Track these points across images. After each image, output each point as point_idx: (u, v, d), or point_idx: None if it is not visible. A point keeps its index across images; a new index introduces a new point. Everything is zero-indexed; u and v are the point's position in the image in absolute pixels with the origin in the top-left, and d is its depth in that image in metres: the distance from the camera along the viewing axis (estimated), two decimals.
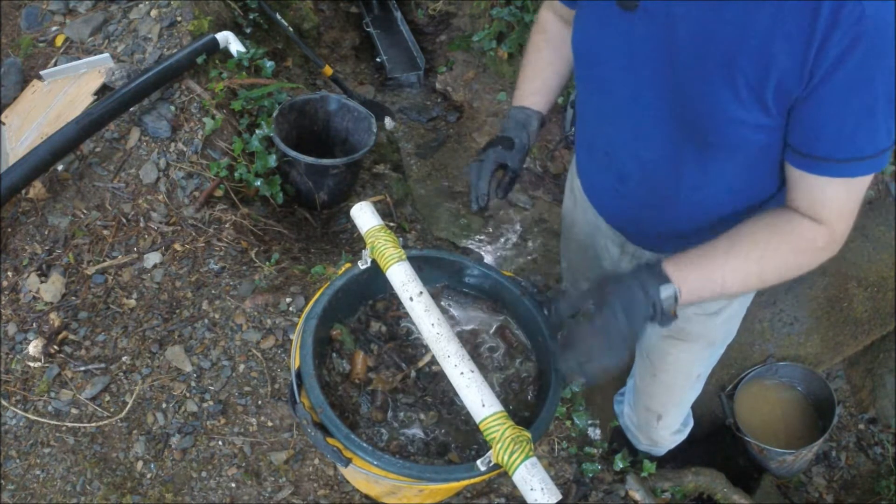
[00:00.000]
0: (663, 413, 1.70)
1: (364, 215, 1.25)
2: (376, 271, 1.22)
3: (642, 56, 1.01)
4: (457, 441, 1.18)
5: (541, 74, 1.36)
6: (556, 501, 0.93)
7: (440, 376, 1.23)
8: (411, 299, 1.14)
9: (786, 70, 0.88)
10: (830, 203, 0.97)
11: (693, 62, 0.95)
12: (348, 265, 1.29)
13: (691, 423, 1.83)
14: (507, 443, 0.97)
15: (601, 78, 1.12)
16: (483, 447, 1.16)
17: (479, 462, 1.02)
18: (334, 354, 1.25)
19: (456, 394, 1.08)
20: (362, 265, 1.26)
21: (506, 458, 0.97)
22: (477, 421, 1.02)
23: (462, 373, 1.05)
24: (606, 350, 0.99)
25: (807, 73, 0.87)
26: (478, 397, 1.02)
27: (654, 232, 1.29)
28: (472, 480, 1.06)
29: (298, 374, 1.12)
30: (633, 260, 1.42)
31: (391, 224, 2.46)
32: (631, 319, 0.99)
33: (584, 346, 1.01)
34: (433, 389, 1.24)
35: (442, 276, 1.34)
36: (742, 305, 1.46)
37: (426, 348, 1.27)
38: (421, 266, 1.24)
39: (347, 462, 1.05)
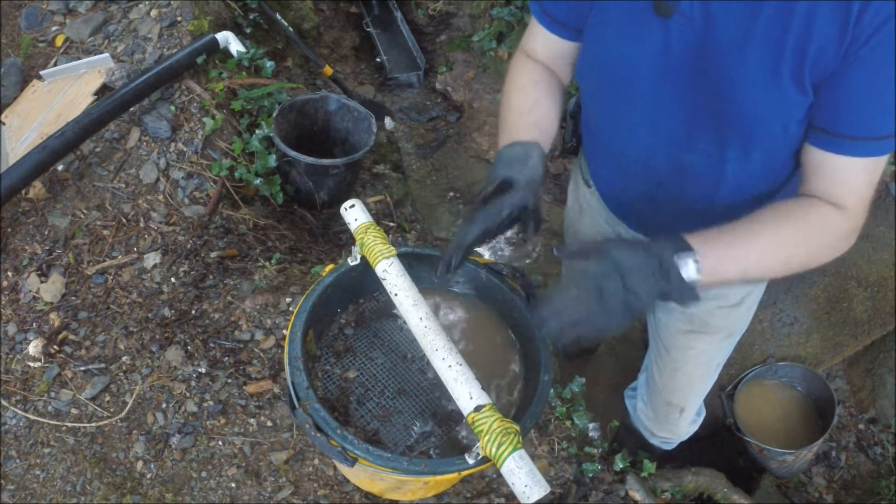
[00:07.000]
0: (686, 406, 1.71)
1: (353, 212, 1.25)
2: (368, 268, 1.22)
3: (679, 61, 1.00)
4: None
5: (534, 111, 1.18)
6: (543, 494, 0.92)
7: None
8: (396, 294, 1.14)
9: (823, 48, 0.89)
10: (853, 186, 0.97)
11: (734, 59, 0.95)
12: (331, 266, 1.28)
13: (704, 412, 1.84)
14: (494, 435, 0.96)
15: (632, 88, 1.08)
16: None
17: (466, 455, 1.02)
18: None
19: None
20: (352, 262, 1.26)
21: (493, 450, 0.96)
22: (465, 413, 1.02)
23: (450, 366, 1.05)
24: (601, 316, 0.88)
25: (842, 50, 0.88)
26: (465, 390, 1.02)
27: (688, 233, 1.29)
28: (473, 470, 1.05)
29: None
30: None
31: (391, 224, 2.46)
32: (637, 290, 0.87)
33: (570, 310, 0.89)
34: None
35: (430, 272, 1.33)
36: (759, 294, 1.47)
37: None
38: (410, 263, 1.24)
39: (353, 462, 1.05)
